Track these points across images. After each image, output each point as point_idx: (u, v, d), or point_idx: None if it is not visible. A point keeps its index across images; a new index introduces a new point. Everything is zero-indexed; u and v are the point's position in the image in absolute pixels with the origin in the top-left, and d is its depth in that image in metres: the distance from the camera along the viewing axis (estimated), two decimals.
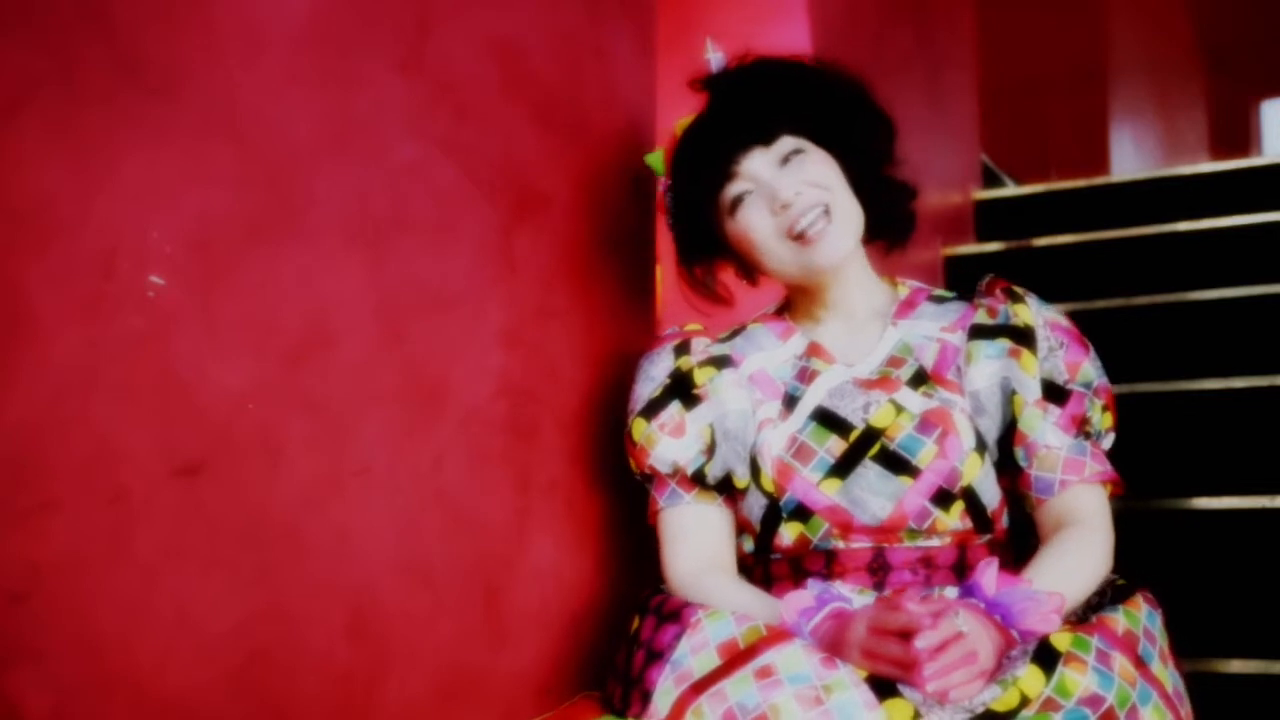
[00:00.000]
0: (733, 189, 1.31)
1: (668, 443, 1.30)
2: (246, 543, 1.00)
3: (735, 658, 1.06)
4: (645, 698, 1.09)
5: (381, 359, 1.15)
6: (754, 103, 1.33)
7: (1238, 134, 7.69)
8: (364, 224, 1.14)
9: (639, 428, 1.32)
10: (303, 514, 1.05)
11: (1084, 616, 1.22)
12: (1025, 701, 1.01)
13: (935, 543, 1.24)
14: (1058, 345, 1.30)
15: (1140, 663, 1.08)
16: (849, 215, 1.30)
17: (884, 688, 1.02)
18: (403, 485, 1.16)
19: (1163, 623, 1.18)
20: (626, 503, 1.50)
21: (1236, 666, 1.68)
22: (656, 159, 1.44)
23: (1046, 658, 1.04)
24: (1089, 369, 1.29)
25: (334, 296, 1.10)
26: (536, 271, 1.37)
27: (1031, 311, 1.31)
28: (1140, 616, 1.14)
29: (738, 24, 2.19)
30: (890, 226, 1.40)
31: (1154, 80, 6.05)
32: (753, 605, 1.20)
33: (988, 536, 1.27)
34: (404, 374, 1.17)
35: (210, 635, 0.96)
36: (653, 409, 1.32)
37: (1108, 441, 1.31)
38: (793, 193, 1.27)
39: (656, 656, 1.12)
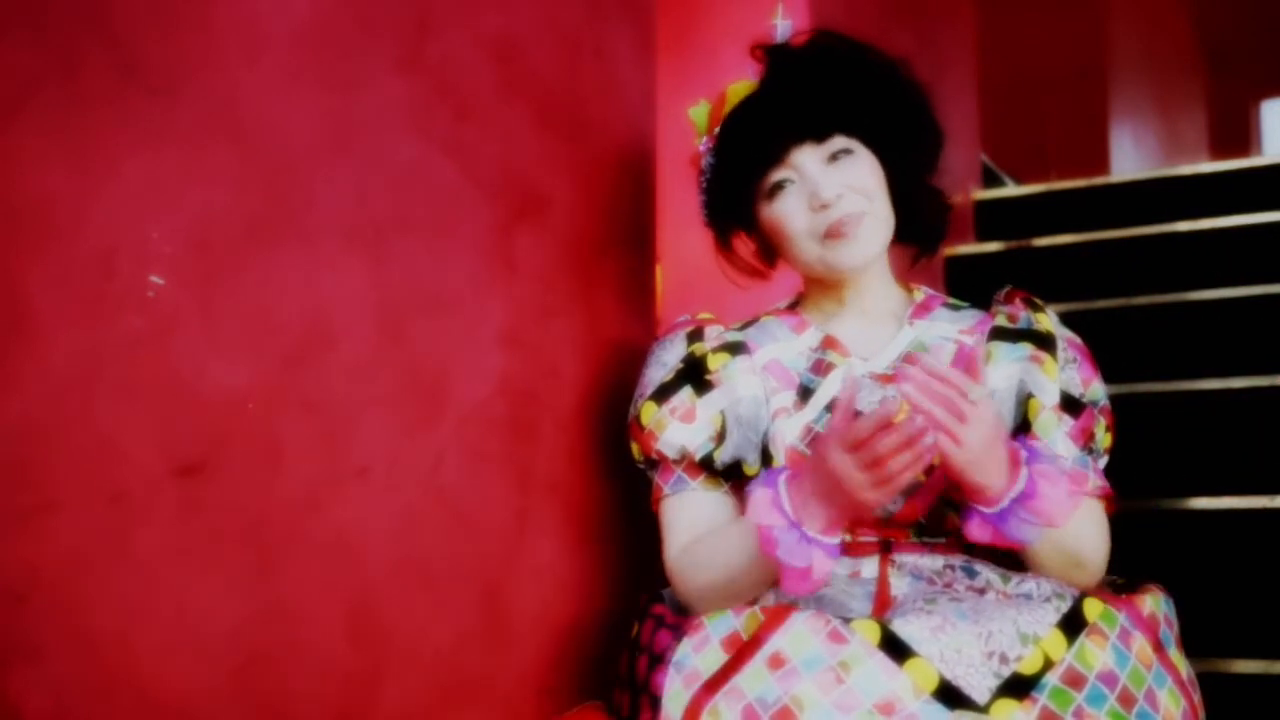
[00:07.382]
0: (775, 175, 1.30)
1: (677, 428, 1.29)
2: (246, 543, 1.00)
3: (742, 650, 1.06)
4: (654, 703, 1.08)
5: (381, 359, 1.15)
6: (815, 94, 1.31)
7: (1238, 134, 7.69)
8: (364, 224, 1.14)
9: (649, 411, 1.31)
10: (303, 514, 1.05)
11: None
12: (1049, 664, 1.02)
13: (941, 540, 1.25)
14: (1072, 360, 1.31)
15: (1159, 646, 1.10)
16: (881, 223, 1.30)
17: (899, 650, 1.02)
18: (403, 485, 1.16)
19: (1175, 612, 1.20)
20: (627, 503, 1.49)
21: (1237, 666, 1.68)
22: (701, 114, 1.41)
23: (1073, 624, 1.06)
24: (1098, 388, 1.31)
25: (334, 297, 1.10)
26: (536, 271, 1.37)
27: (1052, 322, 1.34)
28: (1161, 601, 1.16)
29: (738, 24, 2.19)
30: (922, 234, 1.41)
31: (1154, 80, 6.05)
32: (740, 537, 1.20)
33: None
34: (404, 374, 1.17)
35: (210, 635, 0.96)
36: (664, 393, 1.31)
37: (1103, 462, 1.32)
38: (834, 194, 1.26)
39: (659, 660, 1.11)
